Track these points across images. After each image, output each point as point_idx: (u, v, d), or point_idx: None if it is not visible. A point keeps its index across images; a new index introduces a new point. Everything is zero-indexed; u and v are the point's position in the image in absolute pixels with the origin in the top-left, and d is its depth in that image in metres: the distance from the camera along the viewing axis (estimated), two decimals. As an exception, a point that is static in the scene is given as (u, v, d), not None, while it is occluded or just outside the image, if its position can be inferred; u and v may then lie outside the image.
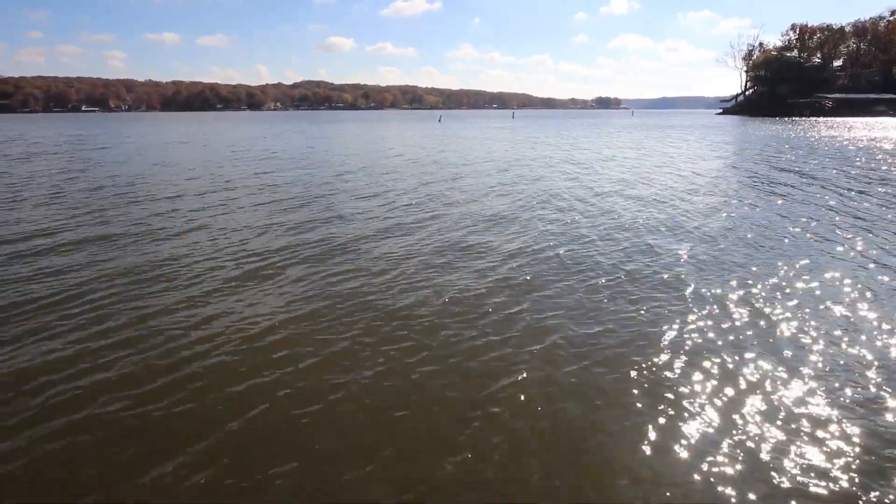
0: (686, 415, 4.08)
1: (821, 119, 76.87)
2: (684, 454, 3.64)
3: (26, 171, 20.10)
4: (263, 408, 4.20)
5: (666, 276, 7.35)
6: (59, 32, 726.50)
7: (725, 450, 3.67)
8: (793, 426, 3.91)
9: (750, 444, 3.72)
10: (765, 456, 3.59)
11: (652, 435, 3.85)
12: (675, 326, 5.69)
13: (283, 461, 3.60)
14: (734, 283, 7.09)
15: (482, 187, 15.62)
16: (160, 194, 14.26)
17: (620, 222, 10.89)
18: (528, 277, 7.39)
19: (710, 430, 3.89)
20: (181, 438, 3.83)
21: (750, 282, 7.11)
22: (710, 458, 3.57)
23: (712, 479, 3.39)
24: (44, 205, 12.73)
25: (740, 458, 3.57)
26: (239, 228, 10.28)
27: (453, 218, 11.23)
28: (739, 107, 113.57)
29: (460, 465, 3.56)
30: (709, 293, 6.64)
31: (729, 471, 3.46)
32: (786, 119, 78.47)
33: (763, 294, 6.64)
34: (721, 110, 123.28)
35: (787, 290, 6.78)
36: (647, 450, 3.70)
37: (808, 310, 6.13)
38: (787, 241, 9.35)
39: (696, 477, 3.42)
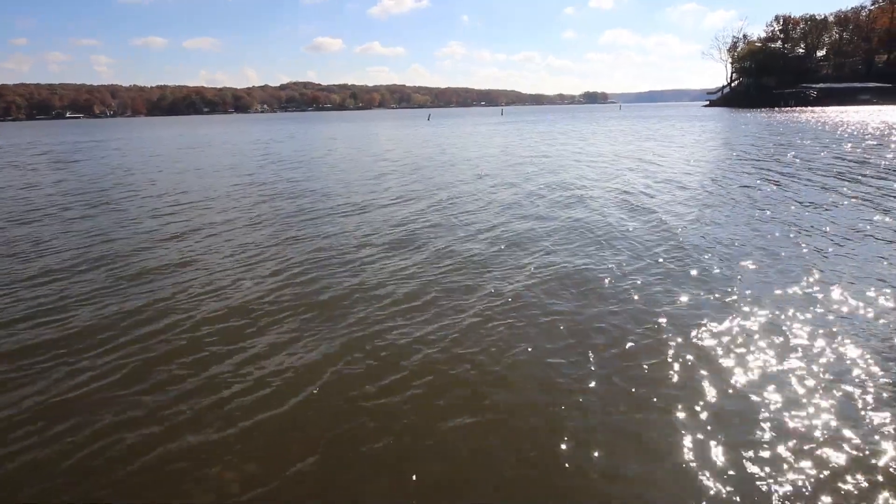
0: (706, 419, 4.01)
1: (807, 108, 77.92)
2: (695, 458, 3.60)
3: (57, 178, 20.08)
4: (260, 407, 4.28)
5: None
6: (45, 39, 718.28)
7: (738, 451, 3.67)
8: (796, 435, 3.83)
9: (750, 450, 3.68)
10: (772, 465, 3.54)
11: (658, 439, 3.80)
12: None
13: (277, 460, 3.66)
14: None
15: (530, 189, 14.85)
16: (219, 203, 13.91)
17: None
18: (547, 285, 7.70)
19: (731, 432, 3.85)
20: (175, 437, 3.90)
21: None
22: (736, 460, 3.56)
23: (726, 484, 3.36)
24: (88, 217, 12.67)
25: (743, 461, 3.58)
26: (296, 234, 10.11)
27: (522, 223, 10.58)
28: (725, 98, 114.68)
29: (462, 466, 3.60)
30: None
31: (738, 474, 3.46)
32: (773, 109, 79.39)
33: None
34: (707, 102, 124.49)
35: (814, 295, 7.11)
36: (651, 452, 3.67)
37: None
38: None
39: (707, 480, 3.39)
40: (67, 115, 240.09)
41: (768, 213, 10.79)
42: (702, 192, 13.36)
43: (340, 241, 9.50)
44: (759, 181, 14.77)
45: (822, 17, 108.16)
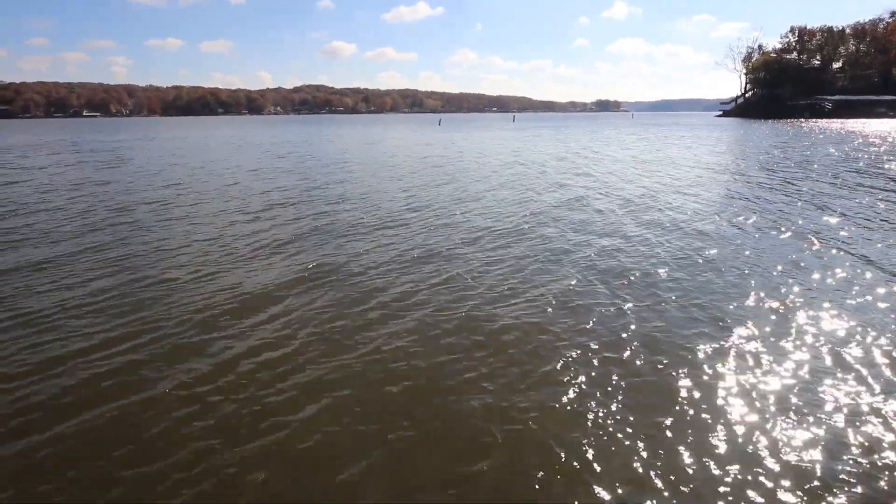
0: (705, 422, 4.08)
1: (822, 120, 77.22)
2: (686, 459, 3.68)
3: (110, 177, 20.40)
4: (261, 407, 4.34)
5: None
6: (64, 39, 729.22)
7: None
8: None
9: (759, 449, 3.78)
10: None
11: (655, 439, 3.87)
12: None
13: (278, 460, 3.70)
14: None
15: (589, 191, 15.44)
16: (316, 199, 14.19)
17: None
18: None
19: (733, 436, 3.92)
20: (178, 438, 3.93)
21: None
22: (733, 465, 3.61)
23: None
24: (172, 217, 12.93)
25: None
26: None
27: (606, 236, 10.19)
28: (739, 109, 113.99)
29: (461, 466, 3.66)
30: None
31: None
32: (788, 120, 78.70)
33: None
34: (720, 112, 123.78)
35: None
36: (649, 453, 3.73)
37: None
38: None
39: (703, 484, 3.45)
40: (84, 113, 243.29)
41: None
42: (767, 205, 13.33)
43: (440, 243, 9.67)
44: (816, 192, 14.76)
45: (840, 28, 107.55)
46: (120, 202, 14.11)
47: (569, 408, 4.29)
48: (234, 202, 14.04)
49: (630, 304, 6.36)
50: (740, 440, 3.84)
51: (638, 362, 5.00)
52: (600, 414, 4.19)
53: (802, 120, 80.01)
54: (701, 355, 5.10)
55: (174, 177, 19.71)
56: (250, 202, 14.02)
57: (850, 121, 72.78)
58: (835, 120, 77.26)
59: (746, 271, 7.60)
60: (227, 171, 21.45)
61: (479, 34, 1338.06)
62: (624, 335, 5.56)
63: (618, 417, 4.13)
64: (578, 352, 5.23)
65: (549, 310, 6.26)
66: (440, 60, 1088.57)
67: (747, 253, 8.58)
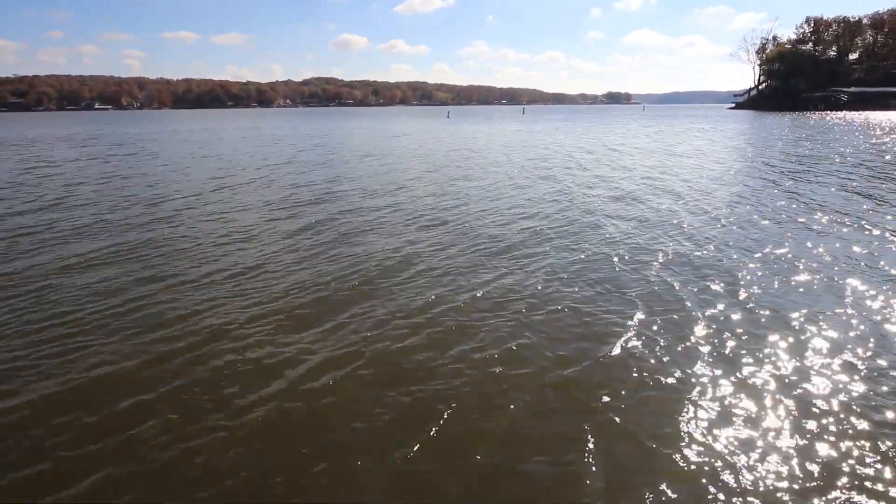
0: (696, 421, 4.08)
1: (838, 113, 75.89)
2: (683, 457, 3.68)
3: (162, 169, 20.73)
4: (263, 408, 4.32)
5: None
6: (80, 32, 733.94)
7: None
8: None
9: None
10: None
11: (655, 437, 3.88)
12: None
13: (280, 461, 3.70)
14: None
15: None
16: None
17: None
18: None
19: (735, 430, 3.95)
20: (178, 438, 3.91)
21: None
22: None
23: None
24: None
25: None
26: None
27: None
28: (752, 101, 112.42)
29: (461, 467, 3.65)
30: None
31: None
32: (802, 113, 77.34)
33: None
34: (733, 105, 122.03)
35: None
36: (647, 453, 3.73)
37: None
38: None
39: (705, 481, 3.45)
40: (96, 106, 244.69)
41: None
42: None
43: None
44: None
45: (856, 19, 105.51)
46: (149, 196, 14.34)
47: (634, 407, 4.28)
48: (264, 198, 14.08)
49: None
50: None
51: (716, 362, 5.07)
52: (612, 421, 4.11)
53: (818, 112, 78.65)
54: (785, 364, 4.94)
55: (199, 170, 19.99)
56: (279, 198, 14.05)
57: (870, 113, 71.46)
58: (855, 112, 75.84)
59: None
60: (250, 166, 21.59)
61: (491, 26, 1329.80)
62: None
63: (641, 436, 3.93)
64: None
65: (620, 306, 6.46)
66: (452, 53, 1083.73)
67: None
